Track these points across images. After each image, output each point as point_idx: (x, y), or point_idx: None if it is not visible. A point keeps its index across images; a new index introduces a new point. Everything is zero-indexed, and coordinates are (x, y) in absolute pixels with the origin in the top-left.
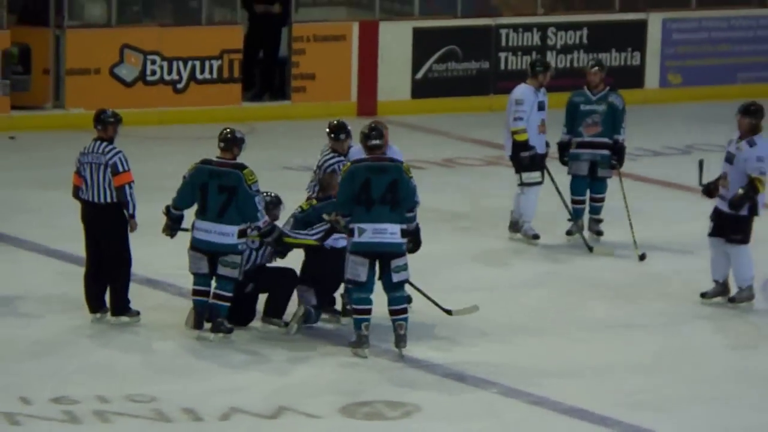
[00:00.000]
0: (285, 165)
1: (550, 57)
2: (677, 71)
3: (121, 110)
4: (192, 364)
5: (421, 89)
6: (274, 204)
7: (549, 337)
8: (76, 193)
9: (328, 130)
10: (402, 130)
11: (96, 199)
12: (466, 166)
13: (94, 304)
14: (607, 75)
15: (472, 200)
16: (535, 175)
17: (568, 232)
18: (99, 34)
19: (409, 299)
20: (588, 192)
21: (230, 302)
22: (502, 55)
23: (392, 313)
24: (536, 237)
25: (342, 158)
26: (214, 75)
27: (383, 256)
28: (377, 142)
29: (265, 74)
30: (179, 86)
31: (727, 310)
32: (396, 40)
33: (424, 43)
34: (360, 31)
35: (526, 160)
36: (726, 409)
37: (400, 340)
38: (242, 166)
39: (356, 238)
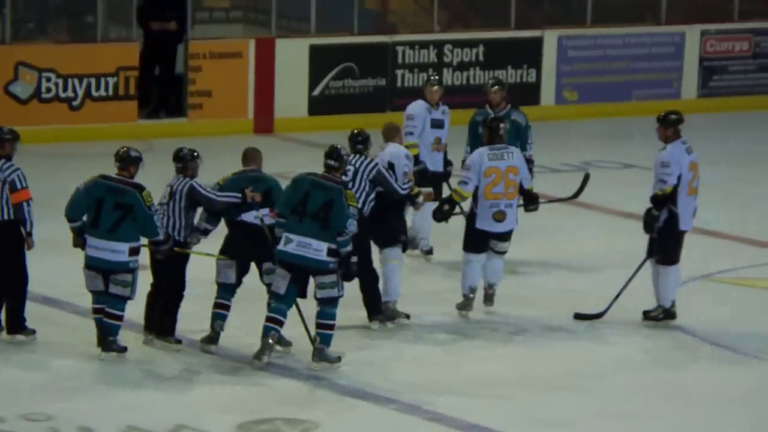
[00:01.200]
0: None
1: (447, 74)
2: (573, 88)
3: (17, 128)
4: (89, 383)
5: (318, 106)
6: (191, 157)
7: (452, 353)
8: None
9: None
10: (299, 147)
11: None
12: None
13: None
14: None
15: None
16: (426, 191)
17: None
18: None
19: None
20: None
21: (122, 320)
22: (399, 72)
23: (316, 326)
24: (429, 252)
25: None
26: (110, 92)
27: (305, 271)
28: (333, 164)
29: (161, 91)
30: (75, 103)
31: (638, 328)
32: (293, 57)
33: (320, 60)
34: (256, 48)
35: (414, 175)
36: (636, 426)
37: (315, 354)
38: (141, 188)
39: (281, 246)
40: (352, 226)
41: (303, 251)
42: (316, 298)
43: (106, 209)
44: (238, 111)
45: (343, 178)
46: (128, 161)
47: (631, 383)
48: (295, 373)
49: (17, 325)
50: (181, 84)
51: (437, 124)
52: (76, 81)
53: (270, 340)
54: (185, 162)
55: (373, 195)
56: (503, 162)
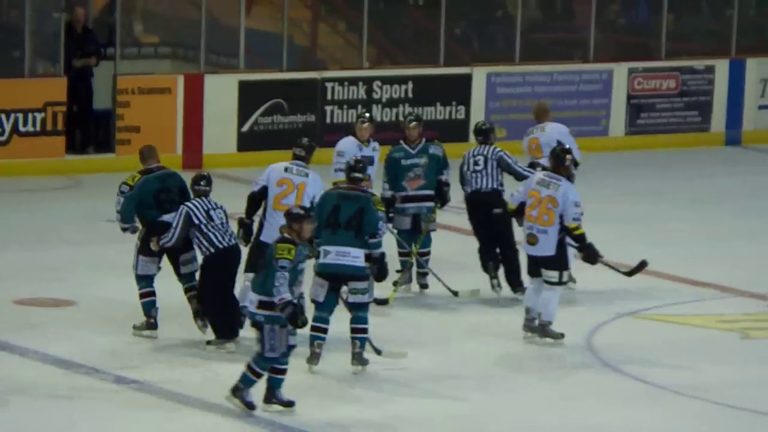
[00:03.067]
0: (109, 218)
1: (376, 110)
2: (502, 125)
3: None
4: None
5: (248, 142)
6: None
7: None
8: None
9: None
10: (228, 183)
11: None
12: None
13: None
14: (433, 128)
15: None
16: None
17: (395, 283)
18: None
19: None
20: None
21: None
22: (328, 108)
23: (351, 331)
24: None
25: None
26: (38, 127)
27: (343, 278)
28: (359, 175)
29: (83, 127)
30: (2, 138)
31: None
32: (221, 93)
33: (249, 96)
34: (185, 83)
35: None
36: None
37: (354, 358)
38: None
39: (321, 260)
40: (383, 228)
41: (342, 260)
42: (349, 303)
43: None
44: (167, 147)
45: (475, 167)
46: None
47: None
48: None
49: None
50: (109, 119)
51: (367, 161)
52: (3, 116)
53: (317, 349)
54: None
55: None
56: (546, 190)
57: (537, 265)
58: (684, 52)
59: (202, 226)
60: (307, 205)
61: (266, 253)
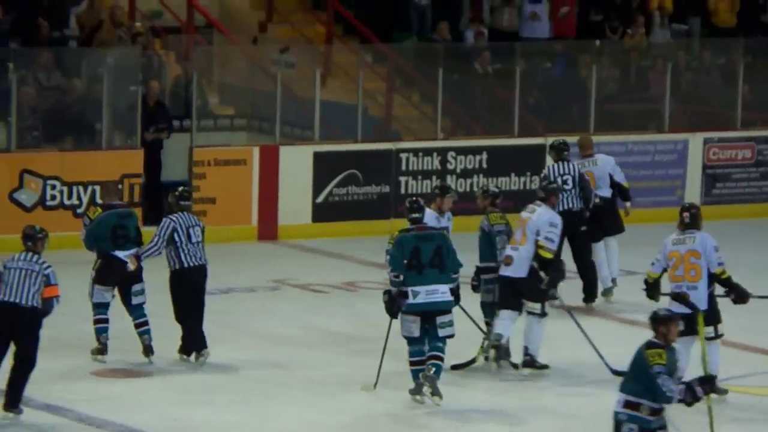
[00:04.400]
0: None
1: (450, 181)
2: None
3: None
4: None
5: (322, 213)
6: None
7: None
8: None
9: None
10: (303, 254)
11: (19, 301)
12: (367, 289)
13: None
14: (506, 199)
15: (372, 324)
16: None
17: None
18: None
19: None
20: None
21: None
22: (403, 179)
23: (429, 357)
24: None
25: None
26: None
27: (434, 314)
28: (417, 215)
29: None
30: (79, 210)
31: None
32: (296, 164)
33: (324, 167)
34: (261, 155)
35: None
36: None
37: (430, 381)
38: None
39: (411, 300)
40: (460, 262)
41: (432, 297)
42: (437, 337)
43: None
44: (243, 218)
45: (564, 186)
46: None
47: None
48: None
49: (17, 402)
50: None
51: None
52: (81, 188)
53: (422, 380)
54: None
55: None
56: (684, 246)
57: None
58: (759, 122)
59: (178, 243)
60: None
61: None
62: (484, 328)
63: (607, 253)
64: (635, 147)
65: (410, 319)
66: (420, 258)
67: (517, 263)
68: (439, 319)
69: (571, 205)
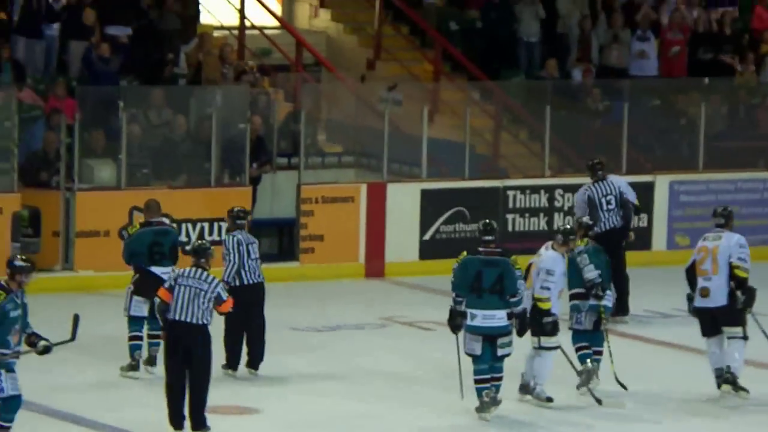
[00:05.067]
0: (292, 326)
1: (557, 218)
2: (685, 233)
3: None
4: None
5: (429, 250)
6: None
7: None
8: (163, 309)
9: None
10: (410, 291)
11: (191, 320)
12: None
13: (179, 420)
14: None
15: None
16: (553, 340)
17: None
18: (108, 197)
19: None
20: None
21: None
22: (510, 216)
23: (491, 379)
24: (550, 400)
25: None
26: (223, 236)
27: (491, 337)
28: (490, 237)
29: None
30: (188, 248)
31: None
32: (404, 201)
33: (431, 205)
34: (368, 192)
35: (548, 326)
36: None
37: (492, 402)
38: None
39: (469, 322)
40: (522, 287)
41: (489, 322)
42: (495, 357)
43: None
44: (350, 255)
45: (608, 206)
46: None
47: None
48: None
49: (202, 420)
50: (293, 228)
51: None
52: (190, 225)
53: (486, 398)
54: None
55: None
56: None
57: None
58: None
59: (242, 259)
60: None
61: None
62: (576, 363)
63: None
64: (744, 185)
65: (473, 338)
66: (482, 282)
67: (715, 293)
68: (500, 341)
69: (615, 224)
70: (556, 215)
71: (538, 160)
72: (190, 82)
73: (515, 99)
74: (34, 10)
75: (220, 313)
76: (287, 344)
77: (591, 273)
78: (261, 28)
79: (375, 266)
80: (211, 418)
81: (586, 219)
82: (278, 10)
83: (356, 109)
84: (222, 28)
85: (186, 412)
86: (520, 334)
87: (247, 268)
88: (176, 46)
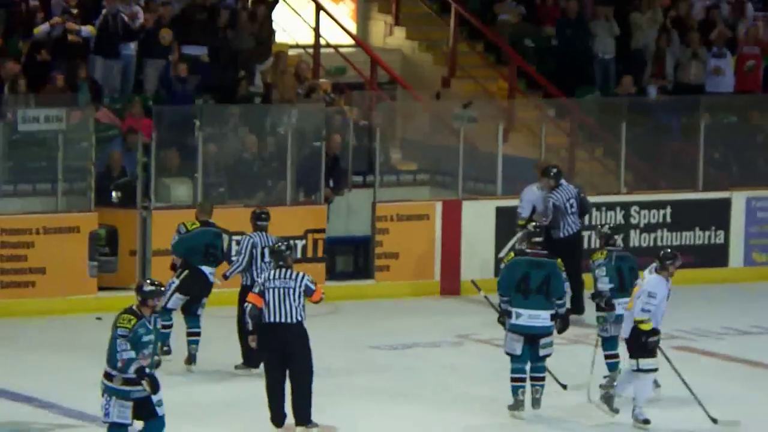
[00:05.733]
0: (370, 344)
1: (634, 235)
2: (762, 250)
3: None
4: None
5: None
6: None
7: None
8: (255, 313)
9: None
10: (486, 309)
11: (284, 320)
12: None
13: (280, 419)
14: (690, 253)
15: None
16: (651, 362)
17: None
18: (184, 215)
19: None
20: None
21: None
22: (585, 233)
23: (533, 379)
24: (647, 422)
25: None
26: (298, 254)
27: (534, 337)
28: (539, 239)
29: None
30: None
31: None
32: (479, 219)
33: (506, 222)
34: (443, 210)
35: (652, 344)
36: None
37: (536, 402)
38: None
39: (514, 321)
40: (567, 288)
41: (533, 322)
42: (537, 357)
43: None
44: (425, 273)
45: (571, 209)
46: None
47: None
48: None
49: (308, 414)
50: (368, 246)
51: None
52: None
53: (520, 397)
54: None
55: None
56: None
57: None
58: None
59: (254, 260)
60: None
61: None
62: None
63: None
64: None
65: (515, 338)
66: (528, 283)
67: None
68: (542, 341)
69: (577, 227)
70: (632, 232)
71: (613, 177)
72: (266, 100)
73: (590, 116)
74: (111, 30)
75: (314, 302)
76: (363, 362)
77: (603, 285)
78: (336, 47)
79: (450, 284)
80: None
81: (605, 229)
82: (353, 28)
83: (431, 126)
84: (297, 46)
85: (287, 409)
86: (561, 331)
87: (260, 269)
88: (251, 65)
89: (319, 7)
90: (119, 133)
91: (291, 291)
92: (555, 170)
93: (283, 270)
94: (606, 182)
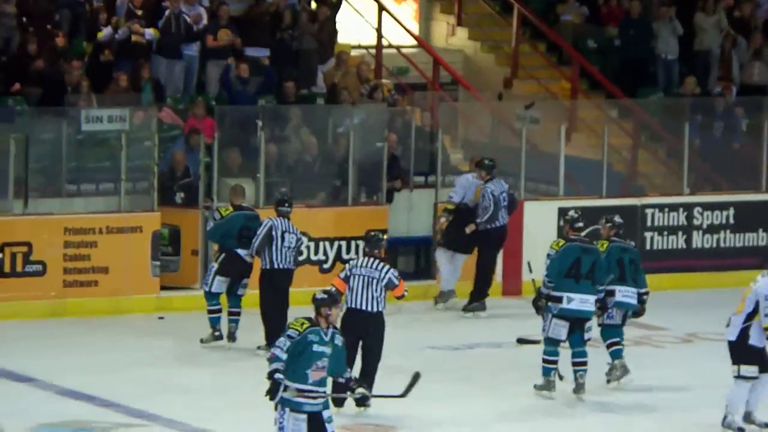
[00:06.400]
0: (430, 345)
1: (696, 237)
2: None
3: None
4: None
5: None
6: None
7: None
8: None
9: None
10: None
11: (365, 308)
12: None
13: (342, 400)
14: (755, 255)
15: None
16: (752, 370)
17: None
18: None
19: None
20: None
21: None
22: (648, 234)
23: (576, 364)
24: (741, 430)
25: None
26: (360, 255)
27: (581, 321)
28: (582, 224)
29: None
30: (326, 266)
31: None
32: (541, 219)
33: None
34: None
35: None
36: None
37: (580, 388)
38: None
39: (565, 305)
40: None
41: (584, 306)
42: (580, 342)
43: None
44: None
45: (503, 203)
46: None
47: None
48: None
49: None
50: (427, 246)
51: None
52: (328, 243)
53: (552, 378)
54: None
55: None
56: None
57: None
58: None
59: (273, 243)
60: None
61: None
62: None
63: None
64: None
65: (561, 323)
66: (579, 268)
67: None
68: (586, 326)
69: (505, 220)
70: (694, 233)
71: (676, 178)
72: (328, 101)
73: (653, 116)
74: (174, 31)
75: (397, 298)
76: (425, 363)
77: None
78: (398, 47)
79: (512, 284)
80: None
81: (618, 218)
82: (415, 28)
83: (493, 127)
84: (359, 47)
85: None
86: (600, 315)
87: (279, 255)
88: (314, 65)
89: (381, 8)
90: (181, 133)
91: (375, 281)
92: (490, 162)
93: (371, 260)
94: (669, 183)
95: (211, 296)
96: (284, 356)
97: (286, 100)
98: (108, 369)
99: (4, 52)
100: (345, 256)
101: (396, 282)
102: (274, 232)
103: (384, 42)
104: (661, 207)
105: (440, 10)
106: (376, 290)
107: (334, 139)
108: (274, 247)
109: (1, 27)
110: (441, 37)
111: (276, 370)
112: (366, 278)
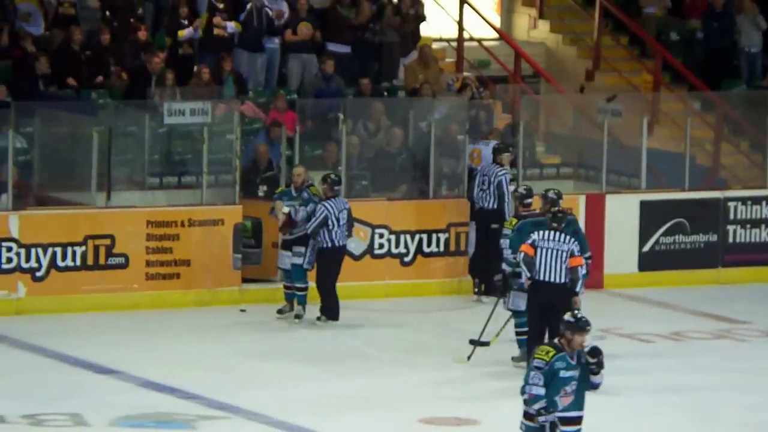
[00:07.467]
0: (511, 337)
1: None
2: None
3: (349, 283)
4: None
5: (649, 262)
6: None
7: None
8: (529, 261)
9: None
10: (629, 303)
11: (553, 280)
12: (695, 339)
13: None
14: None
15: (702, 374)
16: None
17: None
18: None
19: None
20: None
21: None
22: (731, 228)
23: (518, 334)
24: None
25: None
26: (441, 248)
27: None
28: (530, 201)
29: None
30: (406, 259)
31: None
32: (623, 212)
33: (651, 216)
34: (587, 203)
35: None
36: None
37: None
38: None
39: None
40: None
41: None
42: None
43: None
44: None
45: (482, 186)
46: None
47: None
48: None
49: None
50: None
51: None
52: (408, 237)
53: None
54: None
55: None
56: None
57: None
58: None
59: (331, 227)
60: None
61: None
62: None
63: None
64: None
65: (521, 295)
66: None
67: None
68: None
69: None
70: None
71: (759, 171)
72: (410, 94)
73: (736, 109)
74: (256, 24)
75: (571, 267)
76: (504, 355)
77: (508, 256)
78: (480, 40)
79: (594, 277)
80: (428, 430)
81: (552, 193)
82: (497, 21)
83: (575, 120)
84: (441, 40)
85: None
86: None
87: (337, 233)
88: (396, 58)
89: (463, 1)
90: (263, 127)
91: (563, 254)
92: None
93: (556, 233)
94: (751, 176)
95: (302, 273)
96: (543, 391)
97: (364, 94)
98: (190, 361)
99: (87, 46)
100: (426, 250)
101: (576, 253)
102: (330, 220)
103: (465, 35)
104: (743, 200)
105: (522, 3)
106: (564, 262)
107: (416, 132)
108: (332, 229)
109: (84, 21)
110: (522, 30)
111: (540, 413)
112: (555, 251)
